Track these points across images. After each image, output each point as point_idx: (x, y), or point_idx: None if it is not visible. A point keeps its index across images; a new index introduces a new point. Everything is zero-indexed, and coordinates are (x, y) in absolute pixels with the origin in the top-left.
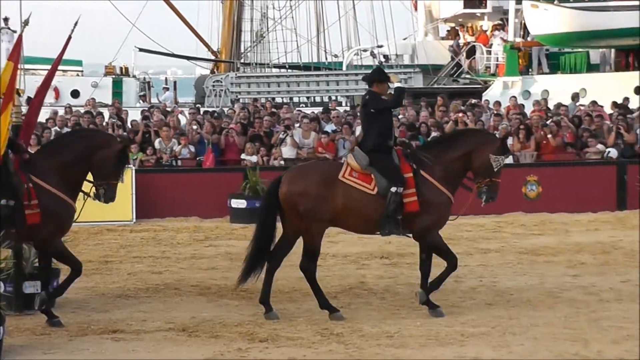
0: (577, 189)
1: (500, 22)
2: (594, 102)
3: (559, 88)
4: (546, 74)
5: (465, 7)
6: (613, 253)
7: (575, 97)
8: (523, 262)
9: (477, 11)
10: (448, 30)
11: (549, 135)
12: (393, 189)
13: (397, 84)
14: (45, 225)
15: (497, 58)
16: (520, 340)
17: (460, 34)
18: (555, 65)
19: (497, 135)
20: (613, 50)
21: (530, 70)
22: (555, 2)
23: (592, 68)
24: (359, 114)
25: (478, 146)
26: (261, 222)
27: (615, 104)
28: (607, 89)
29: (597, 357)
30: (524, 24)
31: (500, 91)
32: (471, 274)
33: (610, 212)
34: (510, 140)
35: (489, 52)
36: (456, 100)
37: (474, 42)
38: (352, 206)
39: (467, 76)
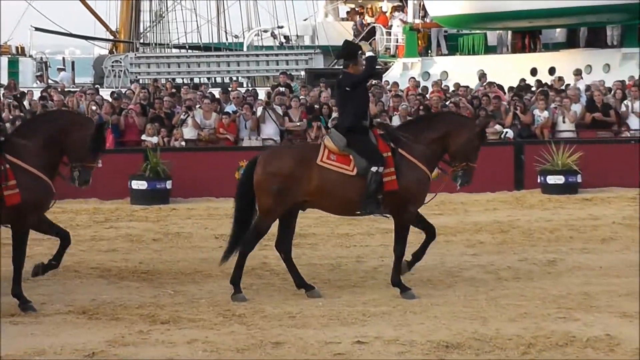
0: (476, 169)
1: (399, 3)
2: (490, 83)
3: (457, 69)
4: (445, 55)
5: None
6: (511, 232)
7: (482, 76)
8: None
9: None
10: (348, 12)
11: None
12: (373, 169)
13: (368, 53)
14: (24, 205)
15: (397, 39)
16: (421, 319)
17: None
18: (453, 46)
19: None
20: (510, 32)
21: (429, 51)
22: None
23: (489, 49)
24: (334, 95)
25: (456, 129)
26: (238, 205)
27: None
28: (504, 70)
29: (495, 334)
30: (423, 5)
31: (400, 72)
32: (373, 254)
33: (508, 192)
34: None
35: (389, 34)
36: None
37: (374, 23)
38: (331, 188)
39: None
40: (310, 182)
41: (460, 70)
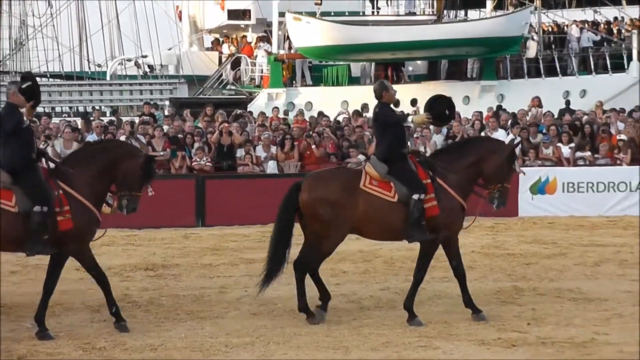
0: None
1: (264, 34)
2: (356, 112)
3: (322, 100)
4: (310, 86)
5: (229, 18)
6: (373, 262)
7: (364, 107)
8: (287, 271)
9: (241, 23)
10: (212, 41)
11: (313, 146)
12: (415, 196)
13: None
14: (75, 232)
15: (262, 70)
16: (284, 349)
17: (225, 45)
18: (318, 77)
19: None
20: (373, 64)
21: (294, 82)
22: (317, 15)
23: (353, 81)
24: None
25: (489, 153)
26: (279, 228)
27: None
28: (368, 101)
29: None
30: (288, 36)
31: (265, 102)
32: (236, 285)
33: None
34: (274, 149)
35: (254, 64)
36: (221, 111)
37: (239, 53)
38: (374, 214)
39: (233, 87)
40: (357, 208)
41: (325, 101)
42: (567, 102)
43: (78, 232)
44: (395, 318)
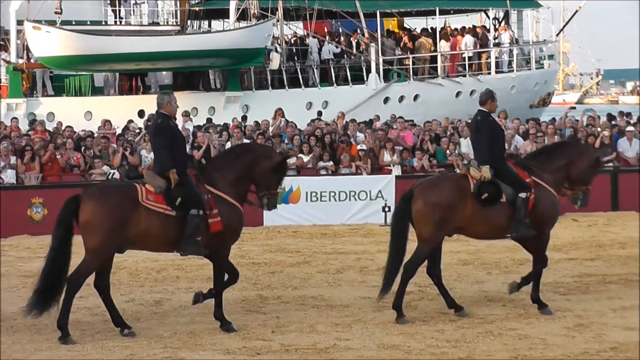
0: None
1: (2, 42)
2: (107, 121)
3: (64, 110)
4: (52, 96)
5: None
6: (118, 273)
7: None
8: (27, 285)
9: None
10: None
11: (59, 156)
12: (523, 195)
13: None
14: (223, 233)
15: (0, 79)
16: None
17: None
18: (60, 87)
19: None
20: (117, 74)
21: (35, 92)
22: (58, 25)
23: (97, 91)
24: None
25: (578, 157)
26: (395, 237)
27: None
28: (112, 111)
29: None
30: (27, 45)
31: (5, 113)
32: None
33: None
34: (13, 160)
35: None
36: None
37: None
38: (483, 216)
39: None
40: (466, 210)
41: (67, 111)
42: (319, 113)
43: (227, 233)
44: (140, 330)
